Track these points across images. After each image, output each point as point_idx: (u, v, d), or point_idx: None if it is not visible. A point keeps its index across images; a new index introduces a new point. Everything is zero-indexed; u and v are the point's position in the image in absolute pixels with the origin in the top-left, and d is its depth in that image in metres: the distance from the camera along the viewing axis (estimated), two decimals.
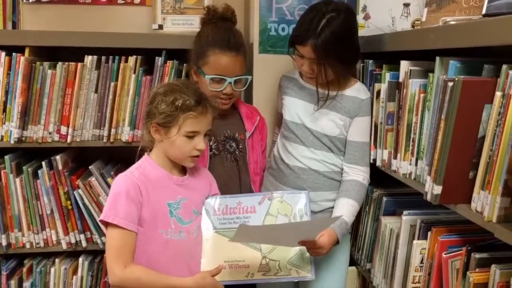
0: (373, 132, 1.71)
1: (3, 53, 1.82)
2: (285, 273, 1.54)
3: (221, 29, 1.73)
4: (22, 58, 1.82)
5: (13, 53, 1.83)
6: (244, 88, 1.77)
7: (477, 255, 1.17)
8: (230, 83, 1.69)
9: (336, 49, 1.59)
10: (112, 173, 1.95)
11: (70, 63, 1.86)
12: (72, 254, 2.04)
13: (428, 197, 1.28)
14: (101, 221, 1.45)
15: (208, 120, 1.50)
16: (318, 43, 1.57)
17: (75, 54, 1.88)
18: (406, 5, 1.73)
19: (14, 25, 2.09)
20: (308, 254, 1.55)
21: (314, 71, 1.64)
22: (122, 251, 1.41)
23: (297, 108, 1.77)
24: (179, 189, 1.52)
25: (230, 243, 1.53)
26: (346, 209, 1.65)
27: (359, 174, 1.71)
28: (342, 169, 1.75)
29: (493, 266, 1.11)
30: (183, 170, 1.57)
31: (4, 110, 1.84)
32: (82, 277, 2.01)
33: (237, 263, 1.53)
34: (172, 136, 1.45)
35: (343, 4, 1.66)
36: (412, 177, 1.44)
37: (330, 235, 1.56)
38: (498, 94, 1.09)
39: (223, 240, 1.55)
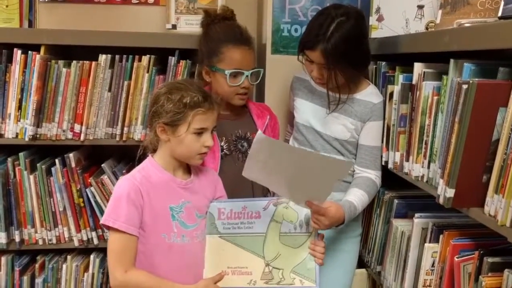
0: (385, 134, 1.70)
1: (19, 51, 1.85)
2: (289, 282, 1.49)
3: (229, 26, 1.75)
4: (38, 56, 1.85)
5: (29, 51, 1.85)
6: (257, 81, 1.78)
7: (490, 259, 1.16)
8: (247, 76, 1.70)
9: (346, 54, 1.57)
10: (124, 171, 1.96)
11: (85, 61, 1.88)
12: (84, 251, 2.06)
13: (441, 200, 1.27)
14: (102, 224, 1.44)
15: (214, 116, 1.49)
16: (328, 48, 1.55)
17: (89, 53, 1.90)
18: (420, 7, 1.72)
19: (31, 24, 2.11)
20: (313, 263, 1.49)
21: (324, 76, 1.63)
22: (122, 255, 1.41)
23: (307, 111, 1.76)
24: (182, 193, 1.50)
25: (234, 249, 1.51)
26: (356, 196, 1.63)
27: (371, 175, 1.71)
28: (353, 171, 1.75)
29: (506, 271, 1.10)
30: (187, 172, 1.55)
31: (20, 108, 1.87)
32: (93, 274, 2.03)
33: (240, 269, 1.51)
34: (181, 134, 1.44)
35: (352, 8, 1.65)
36: (425, 179, 1.43)
37: (338, 209, 1.53)
38: None
39: (226, 245, 1.53)
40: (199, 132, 1.45)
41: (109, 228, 1.42)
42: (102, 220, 1.43)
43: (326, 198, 1.47)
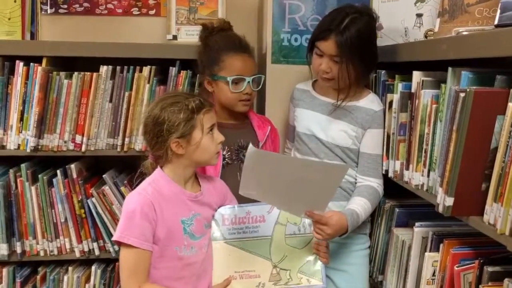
0: (385, 142, 1.70)
1: (21, 63, 1.87)
2: (296, 282, 1.54)
3: (227, 36, 1.79)
4: (40, 68, 1.86)
5: (31, 63, 1.87)
6: (259, 87, 1.79)
7: (490, 269, 1.15)
8: (249, 82, 1.72)
9: (358, 48, 1.59)
10: (125, 182, 1.97)
11: (86, 73, 1.90)
12: (85, 262, 2.06)
13: (440, 209, 1.26)
14: (114, 241, 1.42)
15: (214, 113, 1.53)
16: (341, 38, 1.57)
17: (91, 64, 1.91)
18: (419, 15, 1.72)
19: (33, 36, 2.13)
20: (318, 263, 1.54)
21: (332, 70, 1.63)
22: (137, 270, 1.39)
23: (308, 119, 1.77)
24: (192, 205, 1.50)
25: (240, 253, 1.53)
26: (359, 204, 1.63)
27: (373, 183, 1.71)
28: (355, 180, 1.74)
29: (506, 280, 1.09)
30: (197, 184, 1.56)
31: (21, 119, 1.88)
32: (94, 285, 2.02)
33: (248, 273, 1.54)
34: (197, 139, 1.44)
35: (365, 7, 1.67)
36: (424, 188, 1.43)
37: (340, 218, 1.52)
38: (511, 105, 1.07)
39: (233, 250, 1.55)
40: (211, 130, 1.47)
41: (121, 244, 1.40)
42: (115, 237, 1.40)
43: (326, 207, 1.47)
